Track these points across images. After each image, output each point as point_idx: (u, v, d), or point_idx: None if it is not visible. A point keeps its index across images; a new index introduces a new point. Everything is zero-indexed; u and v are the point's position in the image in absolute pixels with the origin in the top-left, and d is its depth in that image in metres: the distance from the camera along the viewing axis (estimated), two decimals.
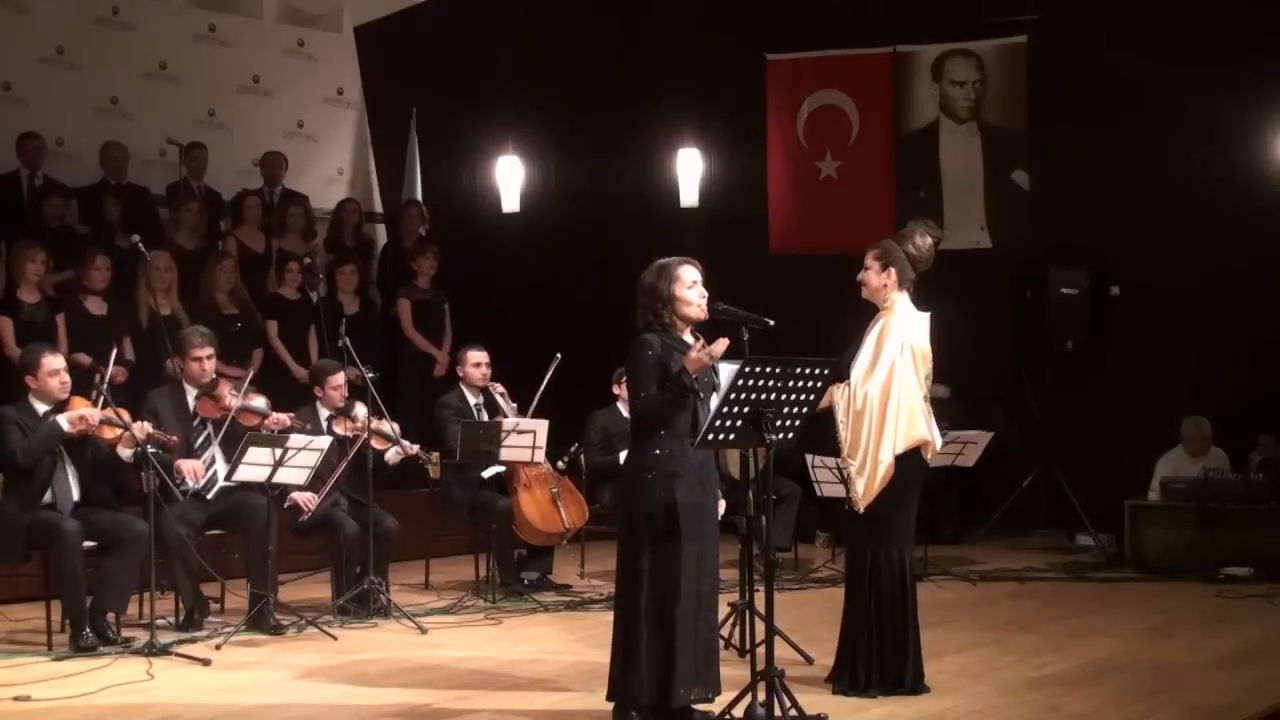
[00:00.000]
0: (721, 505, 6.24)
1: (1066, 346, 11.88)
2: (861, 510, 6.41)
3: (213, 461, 8.29)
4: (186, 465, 8.07)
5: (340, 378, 8.98)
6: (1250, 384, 11.07)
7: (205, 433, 8.32)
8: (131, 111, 12.40)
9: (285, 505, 8.49)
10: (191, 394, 8.35)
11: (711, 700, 5.90)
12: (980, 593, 9.58)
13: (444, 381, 10.92)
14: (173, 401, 8.34)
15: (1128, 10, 11.58)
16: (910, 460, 6.42)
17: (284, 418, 8.37)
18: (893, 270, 6.49)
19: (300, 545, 9.18)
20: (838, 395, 6.36)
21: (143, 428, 7.62)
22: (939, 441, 6.58)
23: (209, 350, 8.38)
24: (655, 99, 12.95)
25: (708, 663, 5.91)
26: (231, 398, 8.30)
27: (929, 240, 6.53)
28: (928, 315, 6.57)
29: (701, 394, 5.81)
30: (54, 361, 7.67)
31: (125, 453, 7.69)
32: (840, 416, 6.41)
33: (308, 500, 8.52)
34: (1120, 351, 11.88)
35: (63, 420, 7.46)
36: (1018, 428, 11.56)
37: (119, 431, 7.59)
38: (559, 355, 9.44)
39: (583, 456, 9.93)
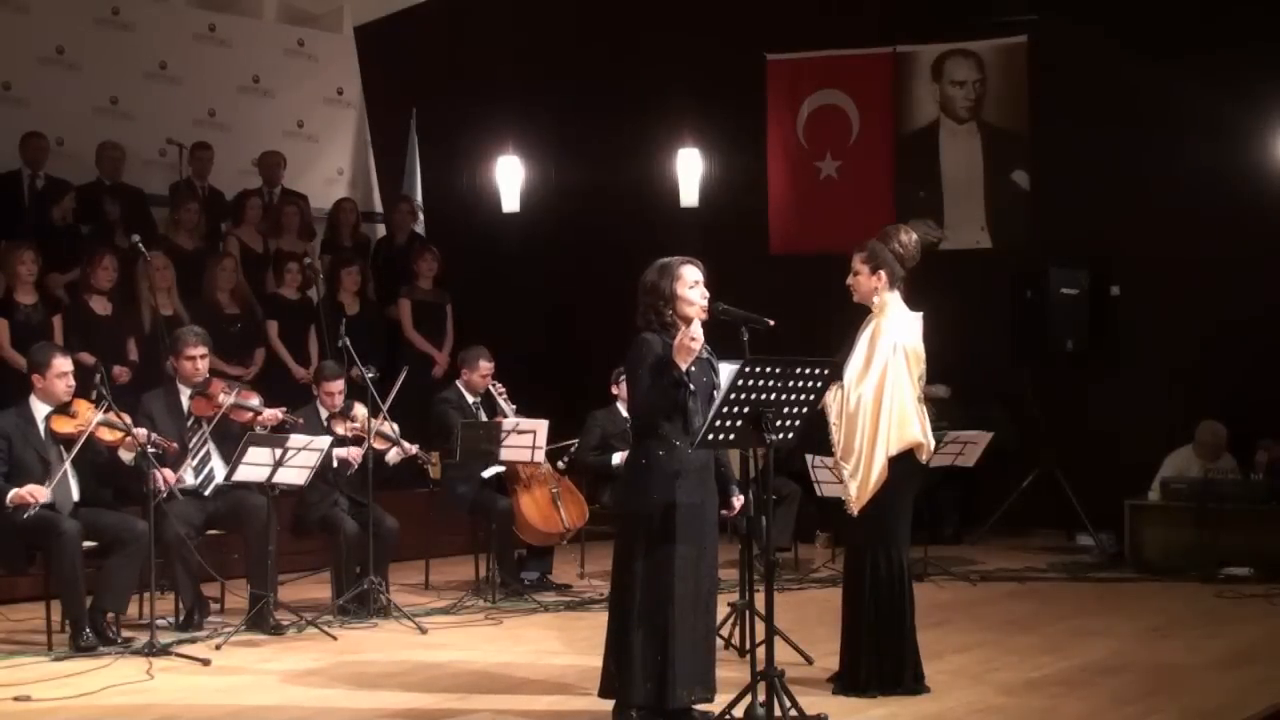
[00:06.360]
0: (738, 501, 6.18)
1: (1066, 346, 11.86)
2: (855, 513, 6.41)
3: (208, 459, 8.29)
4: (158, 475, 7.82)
5: (338, 385, 8.96)
6: (1250, 384, 11.07)
7: (200, 431, 8.30)
8: (131, 111, 12.38)
9: (334, 465, 8.50)
10: (185, 394, 8.34)
11: (711, 700, 5.89)
12: (980, 593, 9.58)
13: (442, 383, 10.90)
14: (167, 402, 8.33)
15: (1128, 10, 11.59)
16: (905, 462, 6.41)
17: (276, 413, 8.34)
18: (882, 273, 6.50)
19: (300, 545, 9.19)
20: (830, 397, 6.34)
21: (143, 433, 7.62)
22: (932, 442, 6.57)
23: (202, 350, 8.35)
24: (655, 99, 12.96)
25: (706, 663, 5.91)
26: (224, 395, 8.30)
27: (913, 237, 6.53)
28: (920, 315, 6.57)
29: (693, 386, 5.78)
30: (64, 364, 7.67)
31: (127, 456, 7.68)
32: (833, 419, 6.41)
33: (355, 455, 8.59)
34: (1120, 351, 11.88)
35: (11, 494, 7.39)
36: (1018, 428, 11.56)
37: (119, 434, 7.59)
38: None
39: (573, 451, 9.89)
